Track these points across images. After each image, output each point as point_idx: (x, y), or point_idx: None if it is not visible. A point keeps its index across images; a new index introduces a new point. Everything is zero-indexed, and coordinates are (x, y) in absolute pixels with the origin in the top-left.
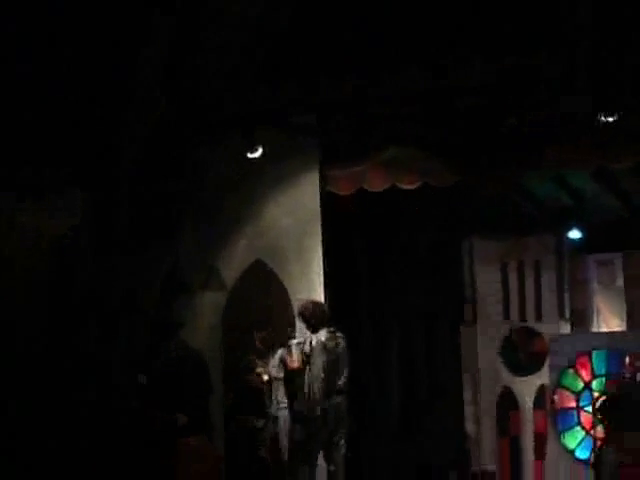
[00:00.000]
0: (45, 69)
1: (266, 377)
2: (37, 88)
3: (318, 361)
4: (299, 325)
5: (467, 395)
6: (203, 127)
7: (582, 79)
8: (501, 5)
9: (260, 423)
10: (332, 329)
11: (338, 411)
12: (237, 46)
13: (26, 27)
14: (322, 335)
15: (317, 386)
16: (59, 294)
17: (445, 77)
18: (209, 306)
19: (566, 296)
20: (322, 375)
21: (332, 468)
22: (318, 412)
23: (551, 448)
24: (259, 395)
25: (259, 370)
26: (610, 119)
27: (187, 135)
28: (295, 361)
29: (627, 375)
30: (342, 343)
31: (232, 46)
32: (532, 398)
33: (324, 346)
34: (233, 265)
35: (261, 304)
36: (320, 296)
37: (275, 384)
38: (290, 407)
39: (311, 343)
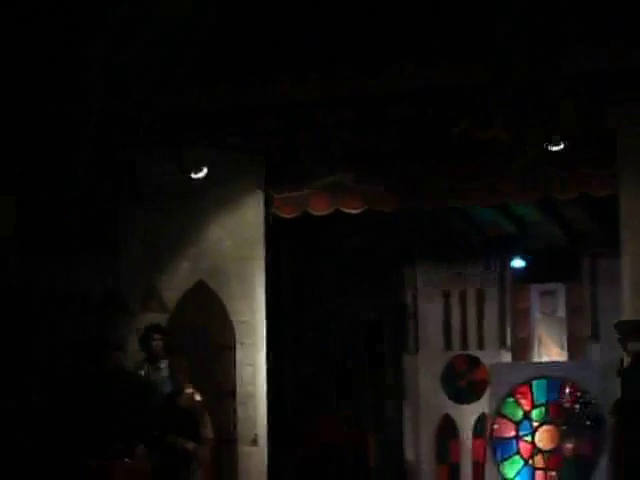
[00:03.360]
0: None
1: (198, 397)
2: None
3: None
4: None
5: (407, 422)
6: (140, 142)
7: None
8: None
9: (191, 445)
10: None
11: None
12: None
13: None
14: None
15: None
16: None
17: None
18: None
19: (508, 325)
20: None
21: None
22: None
23: (490, 477)
24: (190, 416)
25: (189, 391)
26: (555, 148)
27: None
28: None
29: (566, 405)
30: None
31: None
32: (472, 426)
33: None
34: (175, 286)
35: (202, 325)
36: (261, 317)
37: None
38: None
39: None
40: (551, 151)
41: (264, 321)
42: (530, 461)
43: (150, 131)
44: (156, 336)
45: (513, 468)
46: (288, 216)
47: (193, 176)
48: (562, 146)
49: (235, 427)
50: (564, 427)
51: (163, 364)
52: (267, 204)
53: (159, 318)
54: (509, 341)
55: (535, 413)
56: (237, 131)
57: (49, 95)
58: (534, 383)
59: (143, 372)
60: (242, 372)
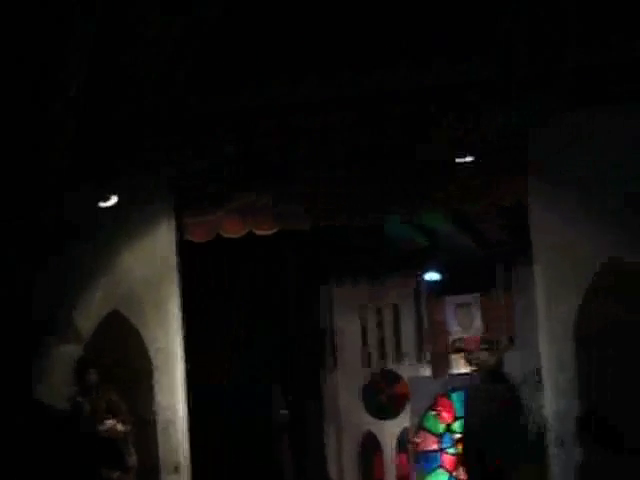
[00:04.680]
0: None
1: (120, 427)
2: None
3: None
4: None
5: (330, 440)
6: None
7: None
8: None
9: (115, 475)
10: None
11: None
12: None
13: None
14: None
15: None
16: None
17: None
18: (64, 358)
19: (425, 338)
20: None
21: None
22: None
23: None
24: (113, 445)
25: (112, 421)
26: (466, 160)
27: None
28: None
29: None
30: None
31: None
32: (395, 441)
33: None
34: (89, 316)
35: (119, 354)
36: (178, 343)
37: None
38: None
39: None
40: (460, 163)
41: (181, 346)
42: (454, 473)
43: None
44: (91, 370)
45: None
46: (200, 240)
47: (102, 205)
48: (470, 158)
49: (157, 456)
50: None
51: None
52: (179, 229)
53: (75, 349)
54: (427, 354)
55: (457, 425)
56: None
57: None
58: (454, 395)
59: (74, 404)
60: (161, 399)
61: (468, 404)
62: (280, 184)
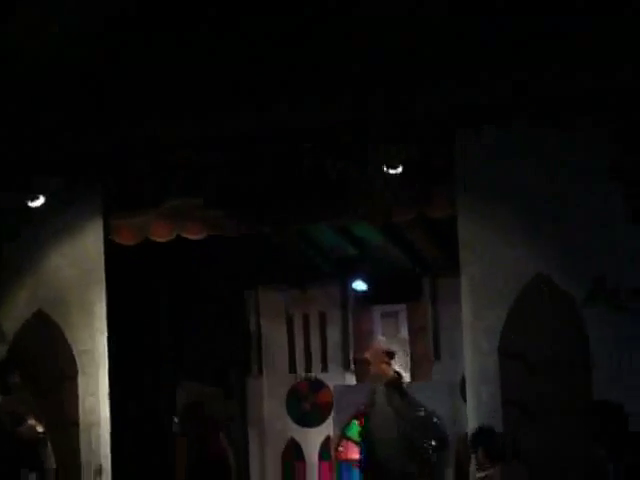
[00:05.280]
0: None
1: (40, 429)
2: None
3: None
4: None
5: (253, 447)
6: None
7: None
8: None
9: (33, 476)
10: None
11: None
12: None
13: None
14: None
15: None
16: None
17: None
18: None
19: (351, 347)
20: None
21: None
22: None
23: None
24: (32, 447)
25: (32, 422)
26: (393, 171)
27: None
28: None
29: None
30: None
31: None
32: (317, 449)
33: None
34: (14, 316)
35: (43, 355)
36: (103, 346)
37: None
38: None
39: None
40: (390, 174)
41: (106, 349)
42: None
43: None
44: (14, 370)
45: None
46: (129, 243)
47: (30, 204)
48: (400, 170)
49: (79, 458)
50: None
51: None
52: (107, 231)
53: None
54: (352, 364)
55: None
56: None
57: None
58: None
59: None
60: (85, 402)
61: (368, 420)
62: (210, 190)
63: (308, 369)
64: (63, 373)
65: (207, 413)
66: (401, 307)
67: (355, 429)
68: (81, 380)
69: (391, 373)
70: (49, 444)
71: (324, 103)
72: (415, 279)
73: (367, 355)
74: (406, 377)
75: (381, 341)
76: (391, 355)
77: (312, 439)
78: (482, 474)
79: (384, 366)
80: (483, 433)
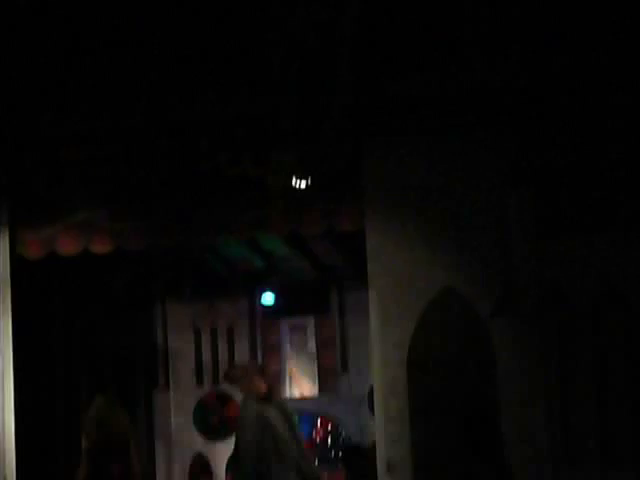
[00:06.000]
0: None
1: None
2: None
3: None
4: None
5: (160, 461)
6: None
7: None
8: None
9: None
10: None
11: None
12: None
13: None
14: None
15: None
16: None
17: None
18: None
19: (259, 360)
20: None
21: None
22: None
23: None
24: None
25: None
26: (302, 185)
27: None
28: None
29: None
30: None
31: None
32: (224, 463)
33: None
34: None
35: None
36: (8, 359)
37: None
38: None
39: None
40: (297, 187)
41: (11, 363)
42: None
43: None
44: None
45: None
46: (34, 257)
47: None
48: (307, 182)
49: None
50: (317, 461)
51: None
52: (13, 244)
53: None
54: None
55: None
56: None
57: None
58: None
59: None
60: None
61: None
62: (116, 202)
63: (215, 382)
64: None
65: (113, 427)
66: (309, 320)
67: None
68: None
69: (263, 388)
70: None
71: (222, 104)
72: (323, 292)
73: (239, 371)
74: (314, 390)
75: (290, 354)
76: (262, 370)
77: (219, 453)
78: None
79: (256, 380)
80: (351, 452)
